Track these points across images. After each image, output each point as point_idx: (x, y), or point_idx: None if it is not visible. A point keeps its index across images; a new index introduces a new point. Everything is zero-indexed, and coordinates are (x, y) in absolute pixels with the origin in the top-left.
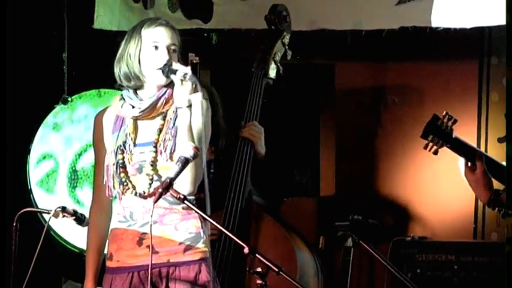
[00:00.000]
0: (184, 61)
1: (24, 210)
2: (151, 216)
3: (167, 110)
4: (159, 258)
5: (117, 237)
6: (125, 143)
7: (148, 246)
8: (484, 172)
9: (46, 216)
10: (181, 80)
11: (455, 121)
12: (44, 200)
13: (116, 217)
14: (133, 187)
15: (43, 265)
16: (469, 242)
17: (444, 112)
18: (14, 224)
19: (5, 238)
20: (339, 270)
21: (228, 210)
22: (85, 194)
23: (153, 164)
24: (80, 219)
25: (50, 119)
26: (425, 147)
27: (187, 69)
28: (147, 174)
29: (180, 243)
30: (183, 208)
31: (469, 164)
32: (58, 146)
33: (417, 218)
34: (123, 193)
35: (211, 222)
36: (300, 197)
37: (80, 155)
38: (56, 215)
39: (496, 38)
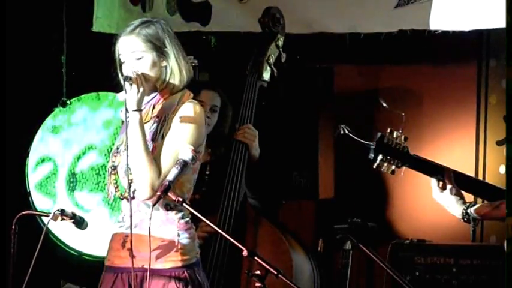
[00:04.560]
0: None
1: (23, 213)
2: (150, 219)
3: (158, 115)
4: (136, 263)
5: (111, 237)
6: (120, 145)
7: (129, 249)
8: (453, 189)
9: (45, 219)
10: (129, 84)
11: (406, 138)
12: (42, 202)
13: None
14: (120, 189)
15: (42, 268)
16: (468, 244)
17: (388, 129)
18: (13, 226)
19: (4, 241)
20: (338, 273)
21: (223, 213)
22: (84, 197)
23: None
24: (78, 222)
25: (48, 121)
26: (378, 167)
27: (125, 71)
28: (130, 178)
29: (154, 250)
30: (163, 214)
31: (440, 183)
32: (57, 148)
33: (416, 220)
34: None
35: (210, 225)
36: (299, 200)
37: (78, 157)
38: (54, 218)
39: (494, 40)
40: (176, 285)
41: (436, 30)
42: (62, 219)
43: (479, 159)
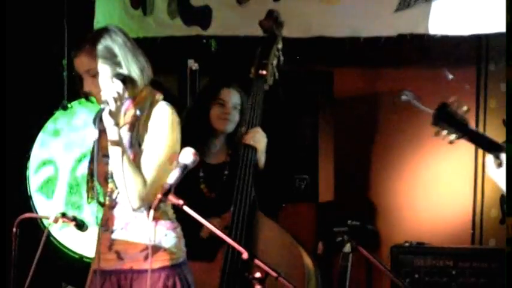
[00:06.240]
0: (181, 67)
1: (24, 216)
2: (151, 222)
3: (132, 121)
4: (124, 264)
5: (97, 241)
6: (96, 154)
7: (116, 252)
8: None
9: (46, 222)
10: (107, 104)
11: (467, 110)
12: (43, 205)
13: (100, 221)
14: (100, 196)
15: (43, 270)
16: (467, 247)
17: (452, 98)
18: (14, 229)
19: (5, 244)
20: (338, 276)
21: (235, 218)
22: (85, 200)
23: (111, 175)
24: (79, 225)
25: (49, 124)
26: (437, 134)
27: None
28: (110, 186)
29: (142, 251)
30: (150, 216)
31: (497, 160)
32: (58, 152)
33: (415, 223)
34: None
35: (210, 228)
36: (299, 203)
37: (79, 161)
38: (55, 221)
39: (493, 45)
40: (165, 285)
41: (435, 35)
42: (63, 222)
43: (479, 163)
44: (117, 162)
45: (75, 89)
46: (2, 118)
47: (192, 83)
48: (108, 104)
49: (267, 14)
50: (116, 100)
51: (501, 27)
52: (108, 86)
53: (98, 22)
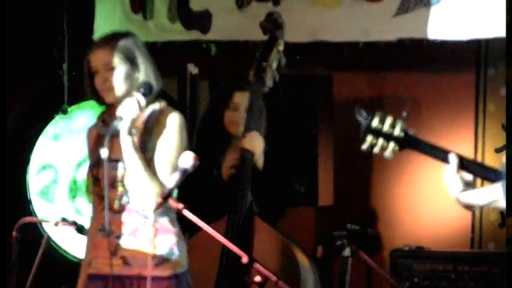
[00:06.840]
0: (181, 71)
1: (24, 220)
2: (152, 226)
3: (146, 127)
4: (131, 270)
5: (95, 245)
6: (100, 159)
7: (122, 257)
8: (457, 171)
9: (46, 226)
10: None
11: (400, 121)
12: (43, 210)
13: (97, 226)
14: (105, 201)
15: (43, 274)
16: (466, 251)
17: (379, 113)
18: (14, 233)
19: (5, 248)
20: (337, 280)
21: (230, 221)
22: (85, 204)
23: (122, 180)
24: (79, 229)
25: (49, 129)
26: (369, 148)
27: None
28: (119, 190)
29: (151, 258)
30: (158, 223)
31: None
32: (58, 156)
33: (414, 227)
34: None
35: (209, 232)
36: (298, 207)
37: (79, 165)
38: (55, 225)
39: (493, 49)
40: None
41: (434, 39)
42: (63, 226)
43: None
44: (134, 169)
45: (76, 92)
46: (2, 122)
47: (192, 87)
48: (122, 119)
49: (266, 16)
50: (137, 110)
51: (500, 31)
52: (131, 97)
53: (98, 26)
